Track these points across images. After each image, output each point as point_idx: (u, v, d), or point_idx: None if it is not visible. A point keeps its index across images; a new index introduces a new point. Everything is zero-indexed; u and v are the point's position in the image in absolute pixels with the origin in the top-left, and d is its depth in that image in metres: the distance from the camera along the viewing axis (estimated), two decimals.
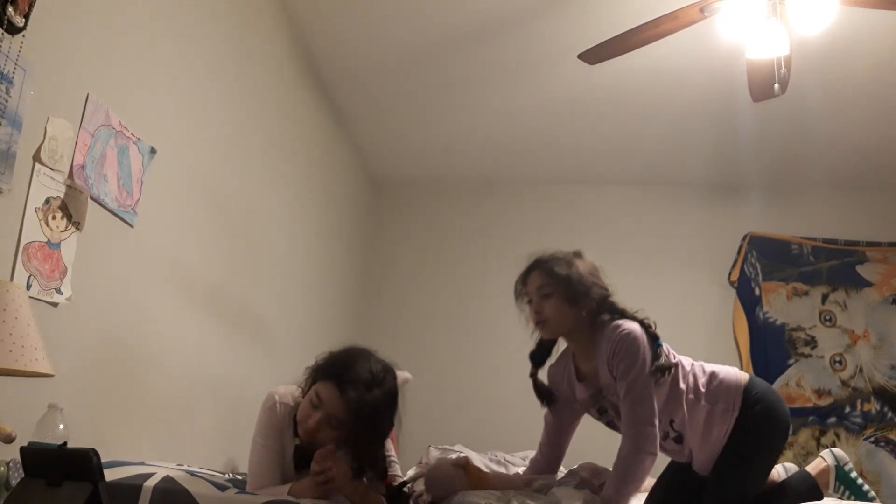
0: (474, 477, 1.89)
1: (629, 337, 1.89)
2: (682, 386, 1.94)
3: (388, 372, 1.89)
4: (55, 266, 1.86)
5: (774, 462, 2.03)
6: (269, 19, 3.20)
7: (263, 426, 1.91)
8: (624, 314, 1.97)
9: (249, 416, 2.17)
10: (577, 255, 2.06)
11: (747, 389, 1.97)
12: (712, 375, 1.99)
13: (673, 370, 1.91)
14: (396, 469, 1.98)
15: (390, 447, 2.01)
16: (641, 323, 1.96)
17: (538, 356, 2.12)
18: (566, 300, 1.96)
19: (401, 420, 1.90)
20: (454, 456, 2.19)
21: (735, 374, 2.01)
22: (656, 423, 1.85)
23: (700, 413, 1.94)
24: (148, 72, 2.27)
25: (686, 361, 2.01)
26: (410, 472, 2.49)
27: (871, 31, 3.15)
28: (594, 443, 2.32)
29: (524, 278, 2.05)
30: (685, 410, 1.94)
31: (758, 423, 1.94)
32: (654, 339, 1.93)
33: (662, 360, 1.90)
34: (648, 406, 1.85)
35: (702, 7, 2.53)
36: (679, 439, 1.99)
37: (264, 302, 3.26)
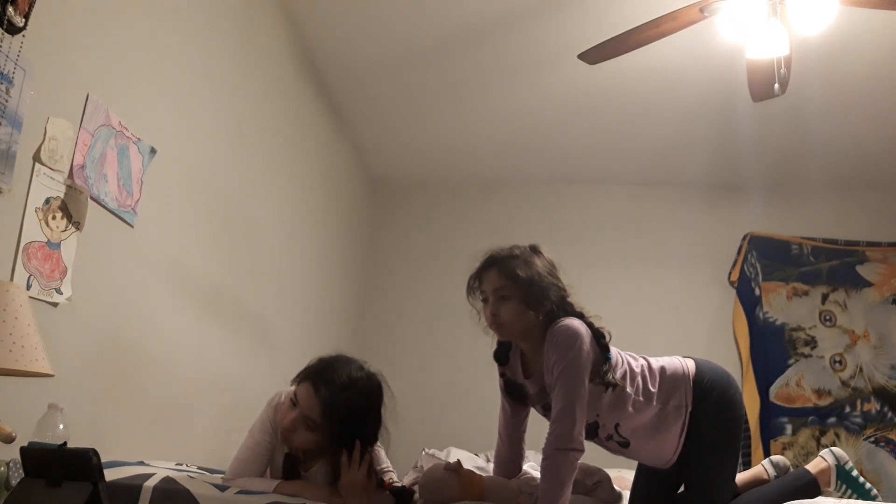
0: (466, 481, 1.89)
1: (567, 331, 1.83)
2: (629, 390, 1.89)
3: (370, 378, 1.86)
4: (55, 266, 1.86)
5: (738, 450, 2.01)
6: (269, 19, 3.20)
7: (261, 421, 1.93)
8: (582, 317, 1.89)
9: (249, 416, 2.17)
10: (535, 250, 1.97)
11: (697, 380, 1.95)
12: (662, 371, 1.95)
13: (619, 380, 1.86)
14: (393, 478, 1.98)
15: (385, 458, 2.00)
16: (592, 328, 1.88)
17: (502, 355, 2.06)
18: (524, 303, 1.88)
19: (387, 429, 1.88)
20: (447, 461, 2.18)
21: (681, 364, 1.98)
22: (581, 419, 1.78)
23: (650, 414, 1.91)
24: (148, 72, 2.27)
25: (634, 363, 1.95)
26: (407, 478, 2.48)
27: (871, 31, 3.15)
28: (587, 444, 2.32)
29: (480, 275, 1.96)
30: (633, 415, 1.90)
31: (713, 416, 1.92)
32: (603, 350, 1.86)
33: (609, 376, 1.84)
34: (574, 401, 1.77)
35: (702, 7, 2.53)
36: (625, 444, 1.96)
37: (264, 302, 3.26)
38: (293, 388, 1.87)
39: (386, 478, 1.93)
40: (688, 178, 4.65)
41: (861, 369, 4.26)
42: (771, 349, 4.35)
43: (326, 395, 1.77)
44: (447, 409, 4.40)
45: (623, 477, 2.32)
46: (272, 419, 1.90)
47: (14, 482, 1.51)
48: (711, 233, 4.65)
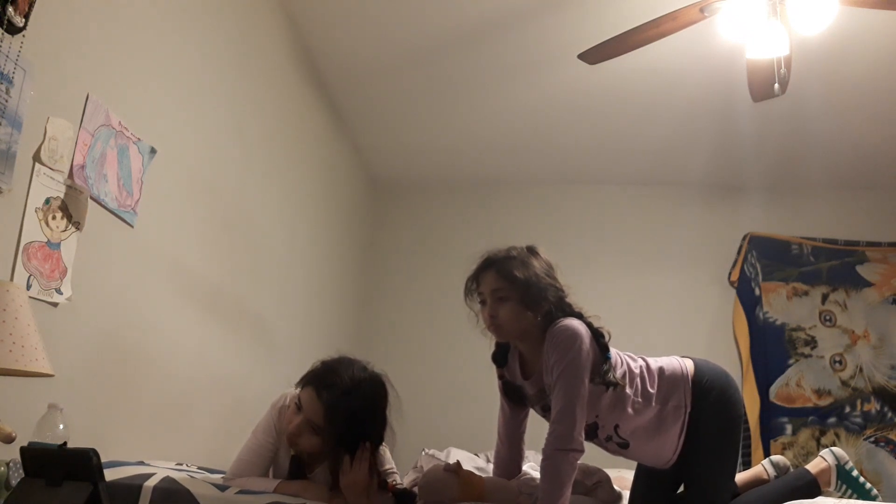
0: (466, 482, 1.89)
1: (566, 332, 1.83)
2: (629, 391, 1.89)
3: (373, 380, 1.86)
4: (55, 266, 1.86)
5: (738, 450, 2.00)
6: (269, 19, 3.20)
7: (265, 422, 1.94)
8: (581, 317, 1.89)
9: (249, 416, 2.18)
10: (533, 251, 1.96)
11: (696, 380, 1.95)
12: (660, 372, 1.95)
13: (619, 381, 1.86)
14: (396, 479, 1.98)
15: (390, 459, 2.00)
16: (591, 328, 1.88)
17: (500, 357, 2.05)
18: (522, 304, 1.87)
19: (392, 430, 1.88)
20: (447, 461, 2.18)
21: (680, 365, 1.98)
22: (581, 419, 1.77)
23: (649, 415, 1.91)
24: (148, 72, 2.27)
25: (633, 364, 1.95)
26: (407, 479, 2.49)
27: (871, 31, 3.15)
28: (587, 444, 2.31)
29: (477, 277, 1.96)
30: (632, 416, 1.90)
31: (712, 416, 1.92)
32: (603, 350, 1.86)
33: (610, 375, 1.84)
34: (574, 401, 1.77)
35: (702, 7, 2.53)
36: (624, 445, 1.96)
37: (264, 302, 3.26)
38: (297, 391, 1.87)
39: (389, 479, 1.93)
40: (688, 178, 4.66)
41: (861, 369, 4.26)
42: (771, 349, 4.35)
43: (329, 399, 1.77)
44: (447, 409, 4.40)
45: (623, 477, 2.32)
46: (276, 421, 1.91)
47: (14, 482, 1.51)
48: (711, 233, 4.65)
